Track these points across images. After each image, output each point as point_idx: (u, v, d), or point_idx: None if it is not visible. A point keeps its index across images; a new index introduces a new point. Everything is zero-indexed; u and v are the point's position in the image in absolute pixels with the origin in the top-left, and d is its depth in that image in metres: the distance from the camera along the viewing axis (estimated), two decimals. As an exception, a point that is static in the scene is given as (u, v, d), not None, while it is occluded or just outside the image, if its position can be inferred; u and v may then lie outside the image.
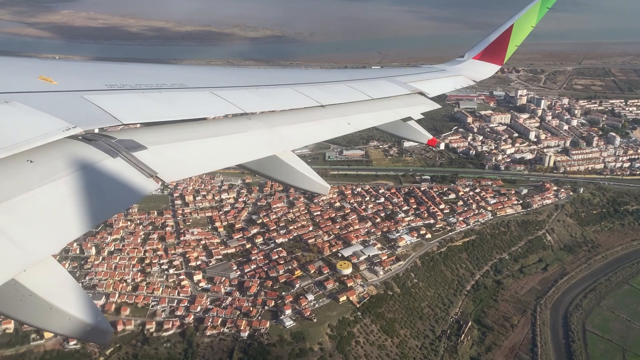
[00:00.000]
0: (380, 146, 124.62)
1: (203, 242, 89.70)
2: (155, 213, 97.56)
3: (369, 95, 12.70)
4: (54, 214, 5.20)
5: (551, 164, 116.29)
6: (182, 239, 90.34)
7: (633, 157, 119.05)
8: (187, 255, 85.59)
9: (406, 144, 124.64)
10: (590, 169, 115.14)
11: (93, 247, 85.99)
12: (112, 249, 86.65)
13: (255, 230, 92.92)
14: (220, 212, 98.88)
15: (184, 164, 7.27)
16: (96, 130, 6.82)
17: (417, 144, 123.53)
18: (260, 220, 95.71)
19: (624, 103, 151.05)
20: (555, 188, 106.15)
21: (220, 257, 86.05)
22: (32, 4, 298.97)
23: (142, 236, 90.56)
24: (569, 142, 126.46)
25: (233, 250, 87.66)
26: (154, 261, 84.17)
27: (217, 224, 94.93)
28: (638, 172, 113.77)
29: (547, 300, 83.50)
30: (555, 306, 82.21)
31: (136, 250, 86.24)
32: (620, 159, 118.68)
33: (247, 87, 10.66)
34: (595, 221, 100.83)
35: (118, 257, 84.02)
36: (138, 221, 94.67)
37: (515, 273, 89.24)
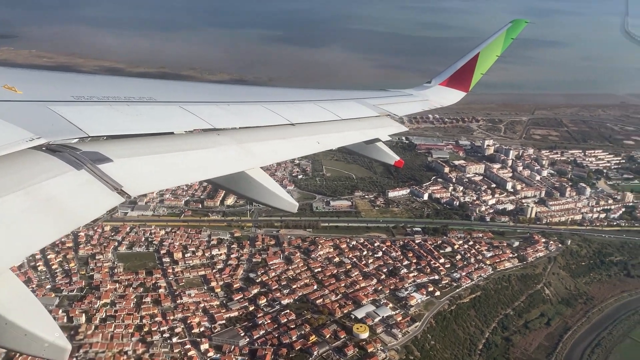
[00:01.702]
0: (366, 196, 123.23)
1: (202, 305, 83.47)
2: (144, 272, 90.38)
3: (339, 115, 12.84)
4: (14, 225, 5.14)
5: (533, 215, 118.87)
6: (178, 301, 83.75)
7: (606, 207, 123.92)
8: (189, 321, 79.07)
9: (391, 194, 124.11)
10: (570, 220, 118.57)
11: (82, 315, 77.75)
12: (103, 316, 78.74)
13: (256, 291, 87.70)
14: (214, 270, 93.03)
15: (150, 178, 7.19)
16: (61, 142, 6.63)
17: (402, 194, 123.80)
18: (260, 279, 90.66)
19: (582, 153, 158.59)
20: (543, 240, 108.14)
21: (224, 321, 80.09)
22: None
23: (135, 299, 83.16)
24: (543, 193, 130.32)
25: (236, 313, 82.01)
26: (153, 329, 77.05)
27: (213, 283, 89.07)
28: (615, 223, 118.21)
29: (558, 358, 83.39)
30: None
31: (131, 316, 78.77)
32: (595, 209, 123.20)
33: (217, 102, 10.61)
34: (585, 273, 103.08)
35: (113, 325, 76.24)
36: (126, 282, 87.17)
37: (521, 329, 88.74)
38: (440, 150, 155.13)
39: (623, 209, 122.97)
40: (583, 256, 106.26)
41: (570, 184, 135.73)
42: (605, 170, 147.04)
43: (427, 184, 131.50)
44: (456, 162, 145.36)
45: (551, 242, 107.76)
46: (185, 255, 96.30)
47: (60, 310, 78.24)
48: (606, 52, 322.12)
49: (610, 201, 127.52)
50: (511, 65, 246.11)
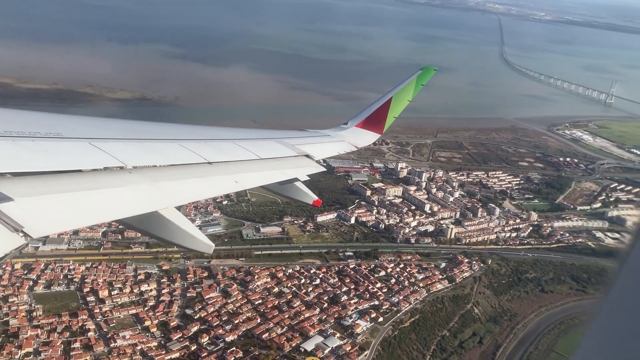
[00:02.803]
0: (295, 221, 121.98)
1: (139, 347, 77.32)
2: (68, 314, 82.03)
3: (257, 154, 13.01)
4: None
5: (452, 236, 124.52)
6: (112, 345, 76.82)
7: (515, 226, 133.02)
8: (128, 367, 72.75)
9: (319, 219, 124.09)
10: (486, 239, 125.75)
11: (3, 369, 68.74)
12: (28, 368, 70.04)
13: (195, 328, 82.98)
14: (146, 308, 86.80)
15: (55, 218, 6.96)
16: None
17: (329, 218, 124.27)
18: (198, 315, 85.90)
19: (485, 175, 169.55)
20: (467, 260, 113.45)
21: (167, 364, 74.74)
22: None
23: (62, 346, 75.00)
24: (458, 214, 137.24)
25: (177, 354, 77.13)
26: (88, 379, 69.91)
27: (148, 322, 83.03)
28: (525, 242, 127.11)
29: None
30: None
31: (62, 367, 70.86)
32: (505, 228, 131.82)
33: (130, 140, 10.52)
34: (506, 290, 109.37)
35: (41, 380, 68.12)
36: (49, 327, 78.53)
37: (457, 349, 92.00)
38: (358, 172, 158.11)
39: (530, 228, 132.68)
40: (503, 274, 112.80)
41: (480, 204, 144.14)
42: (508, 191, 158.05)
43: (351, 207, 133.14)
44: (375, 185, 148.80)
45: (474, 262, 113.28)
46: (112, 293, 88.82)
47: (-25, 367, 68.63)
48: (491, 78, 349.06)
49: (518, 220, 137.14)
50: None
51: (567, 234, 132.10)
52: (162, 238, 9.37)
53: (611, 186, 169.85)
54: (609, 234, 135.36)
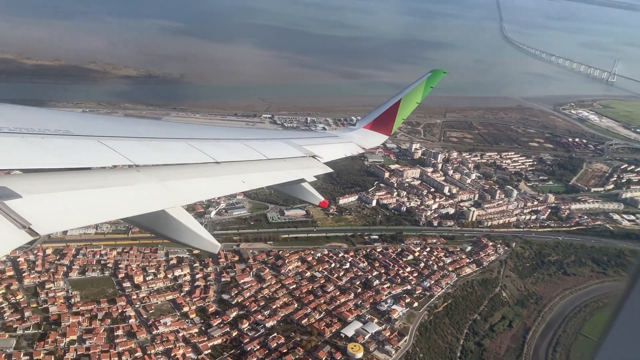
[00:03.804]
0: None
1: (181, 334, 77.39)
2: (106, 301, 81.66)
3: (265, 155, 13.04)
4: None
5: (474, 219, 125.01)
6: (154, 332, 76.76)
7: (533, 209, 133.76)
8: (173, 354, 73.00)
9: (341, 201, 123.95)
10: (507, 222, 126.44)
11: (51, 357, 68.40)
12: (74, 356, 69.83)
13: (234, 314, 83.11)
14: (182, 294, 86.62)
15: (62, 216, 7.00)
16: None
17: (351, 200, 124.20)
18: (235, 301, 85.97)
19: (498, 156, 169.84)
20: (491, 243, 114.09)
21: (210, 351, 74.95)
22: None
23: (105, 334, 74.75)
24: (477, 196, 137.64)
25: (220, 341, 77.18)
26: (138, 367, 69.94)
27: (186, 309, 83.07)
28: (545, 224, 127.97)
29: (526, 359, 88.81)
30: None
31: (108, 353, 70.80)
32: (524, 211, 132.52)
33: (139, 138, 10.53)
34: (530, 273, 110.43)
35: (90, 367, 68.02)
36: (89, 314, 78.14)
37: (488, 333, 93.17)
38: (373, 153, 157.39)
39: (549, 210, 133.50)
40: (527, 257, 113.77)
41: (497, 186, 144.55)
42: (523, 173, 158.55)
43: (371, 189, 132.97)
44: (392, 167, 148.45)
45: (498, 245, 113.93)
46: (147, 279, 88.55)
47: (22, 354, 68.24)
48: (494, 56, 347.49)
49: (536, 202, 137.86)
50: (414, 66, 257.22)
51: (585, 217, 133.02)
52: (170, 237, 9.32)
53: (621, 167, 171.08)
54: (625, 216, 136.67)
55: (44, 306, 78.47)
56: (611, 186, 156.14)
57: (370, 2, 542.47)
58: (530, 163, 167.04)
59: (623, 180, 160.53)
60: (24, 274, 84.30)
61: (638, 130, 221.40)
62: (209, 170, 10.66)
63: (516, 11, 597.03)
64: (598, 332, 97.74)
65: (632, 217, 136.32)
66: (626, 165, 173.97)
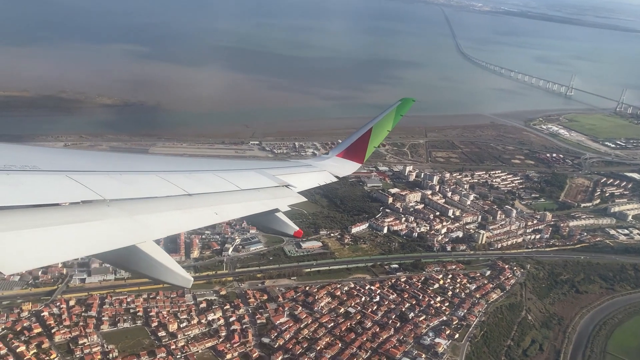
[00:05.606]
0: (332, 234, 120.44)
1: (231, 384, 74.19)
2: (147, 354, 77.37)
3: (238, 185, 13.10)
4: None
5: (484, 241, 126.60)
6: (205, 385, 73.22)
7: (534, 228, 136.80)
8: (231, 408, 69.66)
9: (354, 230, 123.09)
10: (514, 242, 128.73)
11: None
12: (130, 420, 65.47)
13: (280, 358, 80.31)
14: (221, 340, 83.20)
15: (29, 254, 6.88)
16: None
17: (362, 229, 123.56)
18: (277, 344, 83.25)
19: (487, 175, 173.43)
20: (507, 266, 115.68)
21: (266, 401, 72.16)
22: None
23: (154, 391, 70.73)
24: (479, 218, 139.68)
25: (272, 388, 74.38)
26: None
27: (229, 356, 79.89)
28: (551, 243, 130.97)
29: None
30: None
31: (166, 414, 66.84)
32: (527, 230, 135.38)
33: (108, 172, 10.51)
34: (546, 294, 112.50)
35: None
36: (133, 371, 73.75)
37: (523, 358, 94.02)
38: (369, 178, 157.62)
39: (550, 229, 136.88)
40: (542, 278, 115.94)
41: (495, 206, 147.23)
42: (515, 191, 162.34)
43: (378, 215, 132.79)
44: (392, 191, 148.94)
45: (514, 267, 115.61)
46: (181, 326, 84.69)
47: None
48: (456, 73, 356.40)
49: (535, 221, 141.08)
50: (387, 86, 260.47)
51: (585, 233, 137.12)
52: (142, 273, 9.18)
53: (601, 181, 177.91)
54: (619, 230, 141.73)
55: (82, 365, 73.58)
56: (597, 201, 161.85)
57: (328, 22, 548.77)
58: (519, 181, 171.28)
59: (607, 195, 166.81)
60: (53, 330, 78.83)
61: (605, 143, 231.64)
62: (180, 203, 10.48)
63: (465, 27, 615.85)
64: (622, 349, 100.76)
65: (626, 231, 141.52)
66: (605, 179, 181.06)
